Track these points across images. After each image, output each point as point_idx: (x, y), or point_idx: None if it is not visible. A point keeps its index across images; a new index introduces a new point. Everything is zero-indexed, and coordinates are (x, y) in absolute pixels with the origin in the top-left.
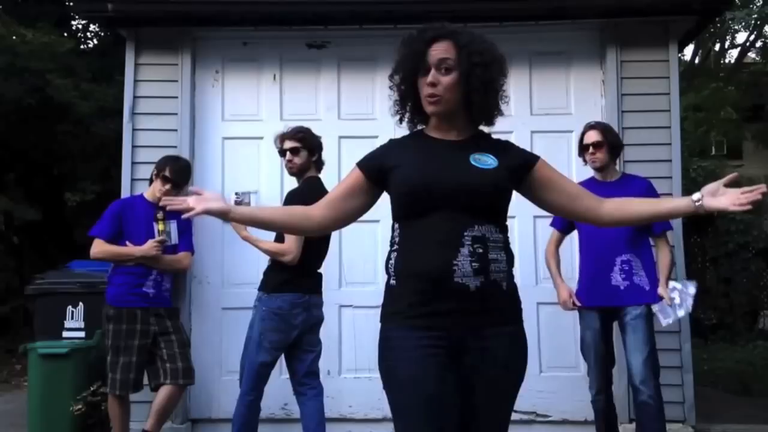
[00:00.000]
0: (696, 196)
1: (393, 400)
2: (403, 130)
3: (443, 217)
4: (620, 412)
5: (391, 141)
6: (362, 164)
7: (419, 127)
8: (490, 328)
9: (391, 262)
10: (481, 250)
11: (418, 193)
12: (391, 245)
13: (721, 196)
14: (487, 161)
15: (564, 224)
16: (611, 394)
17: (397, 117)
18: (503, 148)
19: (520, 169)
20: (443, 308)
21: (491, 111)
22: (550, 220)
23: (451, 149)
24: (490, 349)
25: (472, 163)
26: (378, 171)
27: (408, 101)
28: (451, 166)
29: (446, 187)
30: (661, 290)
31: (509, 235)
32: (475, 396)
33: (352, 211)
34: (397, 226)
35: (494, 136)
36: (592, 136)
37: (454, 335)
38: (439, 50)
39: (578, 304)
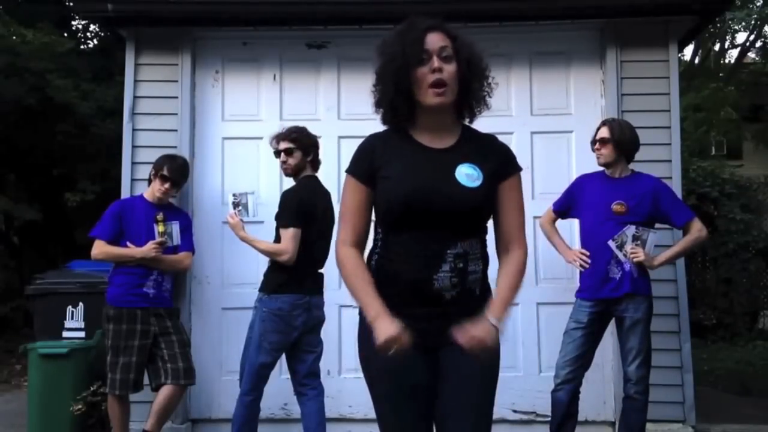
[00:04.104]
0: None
1: (370, 389)
2: None
3: (427, 233)
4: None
5: (375, 139)
6: (355, 173)
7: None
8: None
9: (372, 263)
10: (461, 266)
11: (401, 212)
12: (374, 246)
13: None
14: (473, 175)
15: (562, 209)
16: (577, 391)
17: (383, 114)
18: (488, 151)
19: (498, 177)
20: (417, 311)
21: (485, 102)
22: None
23: (437, 161)
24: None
25: (459, 180)
26: (369, 174)
27: (402, 95)
28: (436, 184)
29: (430, 208)
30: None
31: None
32: (449, 391)
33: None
34: (380, 230)
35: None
36: (600, 132)
37: (427, 332)
38: (436, 39)
39: (587, 258)
